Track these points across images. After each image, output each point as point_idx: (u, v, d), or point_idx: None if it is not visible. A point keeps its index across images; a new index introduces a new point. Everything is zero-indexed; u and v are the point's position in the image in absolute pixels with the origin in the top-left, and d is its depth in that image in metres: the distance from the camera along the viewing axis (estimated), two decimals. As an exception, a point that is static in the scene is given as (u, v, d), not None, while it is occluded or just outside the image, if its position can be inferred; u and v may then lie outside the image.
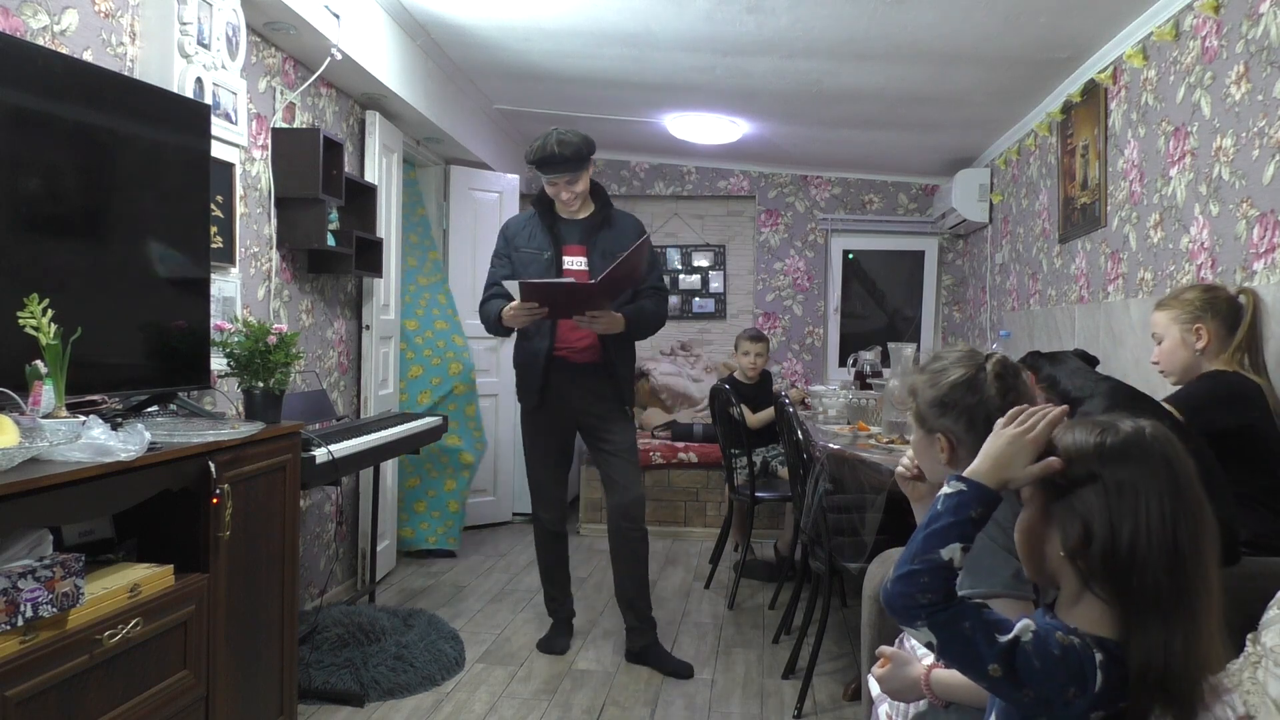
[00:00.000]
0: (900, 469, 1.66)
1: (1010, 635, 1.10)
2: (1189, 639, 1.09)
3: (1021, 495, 1.22)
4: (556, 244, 3.25)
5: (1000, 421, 1.23)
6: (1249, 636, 1.55)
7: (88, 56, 2.30)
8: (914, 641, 1.76)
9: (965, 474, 1.20)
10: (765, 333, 5.39)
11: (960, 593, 1.15)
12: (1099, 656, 1.08)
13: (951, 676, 1.47)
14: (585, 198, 3.28)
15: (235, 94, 2.80)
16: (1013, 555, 1.34)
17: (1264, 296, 2.46)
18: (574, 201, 3.23)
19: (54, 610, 1.57)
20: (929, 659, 1.61)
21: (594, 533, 5.15)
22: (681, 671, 3.18)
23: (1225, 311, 2.20)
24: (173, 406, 2.39)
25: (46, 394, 1.78)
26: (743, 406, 4.20)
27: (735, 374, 4.67)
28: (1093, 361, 2.26)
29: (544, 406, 3.28)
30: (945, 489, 1.20)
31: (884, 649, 1.57)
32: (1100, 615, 1.13)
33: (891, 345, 3.29)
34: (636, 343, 3.38)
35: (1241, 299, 2.25)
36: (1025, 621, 1.12)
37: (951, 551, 1.14)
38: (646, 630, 3.28)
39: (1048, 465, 1.17)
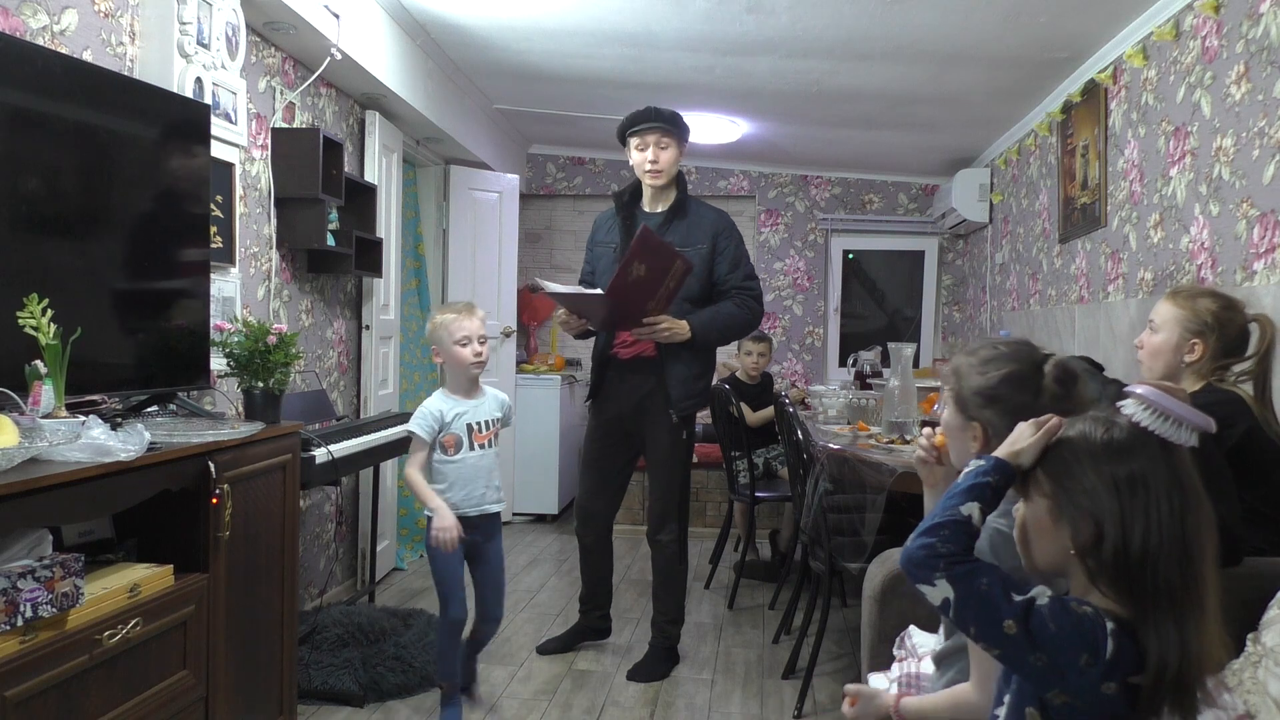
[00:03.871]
0: (919, 452, 1.63)
1: (1027, 595, 1.11)
2: (1199, 631, 1.10)
3: (1023, 489, 1.22)
4: (626, 236, 3.09)
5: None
6: (1249, 636, 1.56)
7: (87, 56, 2.30)
8: (917, 639, 1.76)
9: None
10: (767, 333, 5.35)
11: None
12: (1110, 625, 1.09)
13: (922, 703, 1.48)
14: (671, 183, 3.14)
15: (235, 94, 2.80)
16: None
17: (1264, 297, 2.45)
18: (660, 170, 3.08)
19: (54, 610, 1.57)
20: (895, 689, 1.62)
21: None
22: (637, 676, 3.14)
23: (1232, 337, 2.05)
24: (172, 406, 2.39)
25: (46, 394, 1.78)
26: (742, 405, 4.20)
27: (736, 374, 4.68)
28: (1098, 368, 2.23)
29: (598, 407, 3.23)
30: (966, 468, 1.24)
31: (849, 686, 1.56)
32: (1111, 605, 1.13)
33: (891, 345, 3.27)
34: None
35: (1253, 328, 2.08)
36: (1041, 587, 1.14)
37: (971, 509, 1.17)
38: (655, 637, 3.23)
39: (1049, 429, 1.20)
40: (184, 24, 2.52)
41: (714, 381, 3.53)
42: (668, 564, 3.22)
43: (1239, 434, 1.97)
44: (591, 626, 3.42)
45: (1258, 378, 2.05)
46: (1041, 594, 1.12)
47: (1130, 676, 1.09)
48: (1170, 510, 1.11)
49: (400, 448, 3.34)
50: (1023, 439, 1.22)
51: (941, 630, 1.63)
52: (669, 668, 3.20)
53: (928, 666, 1.64)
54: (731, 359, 4.94)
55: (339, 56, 3.30)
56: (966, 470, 1.23)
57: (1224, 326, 2.06)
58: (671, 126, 3.09)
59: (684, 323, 2.98)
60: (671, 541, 3.20)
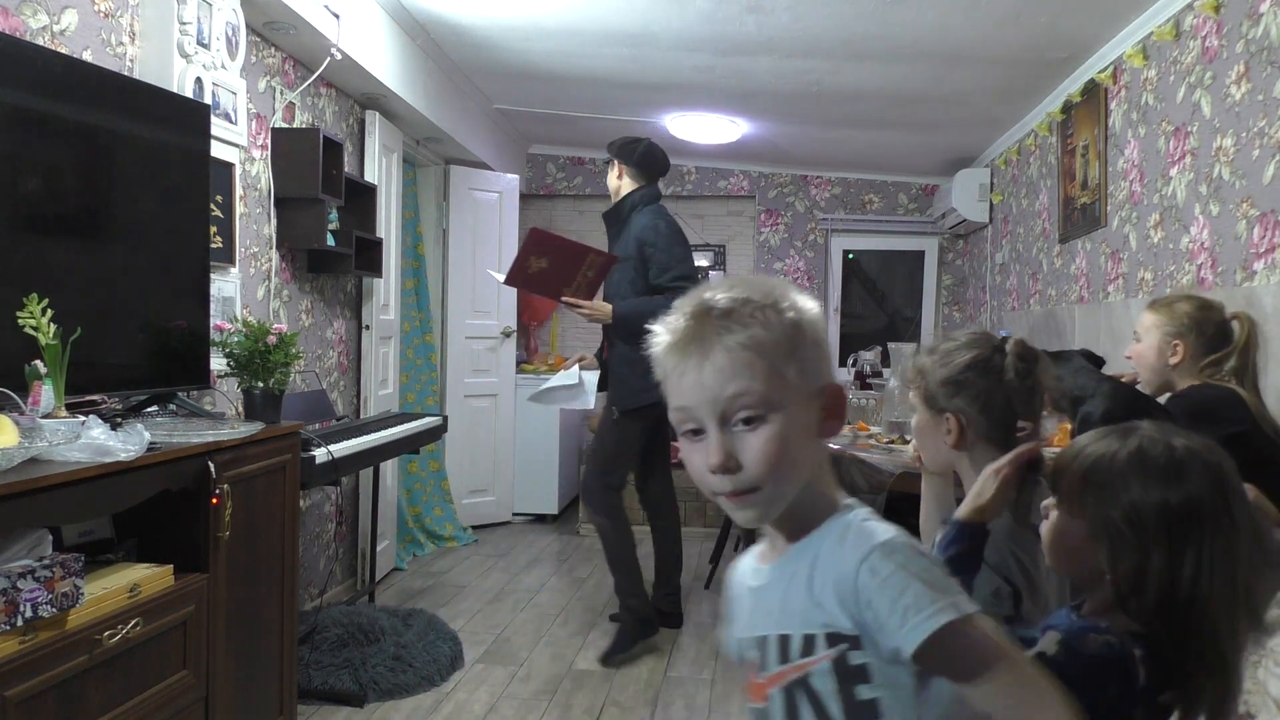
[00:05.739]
0: (913, 449, 1.66)
1: (1034, 650, 1.02)
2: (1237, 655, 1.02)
3: (1064, 503, 1.15)
4: (613, 240, 3.53)
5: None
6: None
7: (87, 56, 2.30)
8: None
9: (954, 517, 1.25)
10: None
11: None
12: (1139, 652, 1.01)
13: None
14: (621, 197, 3.56)
15: (235, 94, 2.80)
16: (995, 572, 1.32)
17: (1264, 297, 2.45)
18: (611, 192, 3.59)
19: (53, 610, 1.57)
20: None
21: (592, 531, 5.14)
22: (610, 660, 3.21)
23: (1211, 334, 2.10)
24: (172, 406, 2.39)
25: (46, 394, 1.78)
26: None
27: None
28: (1098, 362, 2.24)
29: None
30: (936, 538, 1.24)
31: None
32: (1132, 625, 1.06)
33: (891, 345, 3.28)
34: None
35: (1235, 324, 2.11)
36: (1050, 633, 1.06)
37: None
38: (622, 611, 3.35)
39: (1017, 460, 1.19)
40: (184, 24, 2.52)
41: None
42: (609, 545, 3.40)
43: (1235, 431, 1.97)
44: (659, 609, 3.47)
45: (1240, 371, 2.08)
46: (1050, 644, 1.03)
47: (1158, 696, 1.02)
48: (1226, 547, 1.00)
49: (401, 447, 3.34)
50: (985, 492, 1.19)
51: None
52: (632, 640, 3.27)
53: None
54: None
55: (339, 56, 3.30)
56: (937, 539, 1.22)
57: (1201, 325, 2.12)
58: (611, 155, 3.61)
59: (607, 305, 3.29)
60: (607, 525, 3.36)
